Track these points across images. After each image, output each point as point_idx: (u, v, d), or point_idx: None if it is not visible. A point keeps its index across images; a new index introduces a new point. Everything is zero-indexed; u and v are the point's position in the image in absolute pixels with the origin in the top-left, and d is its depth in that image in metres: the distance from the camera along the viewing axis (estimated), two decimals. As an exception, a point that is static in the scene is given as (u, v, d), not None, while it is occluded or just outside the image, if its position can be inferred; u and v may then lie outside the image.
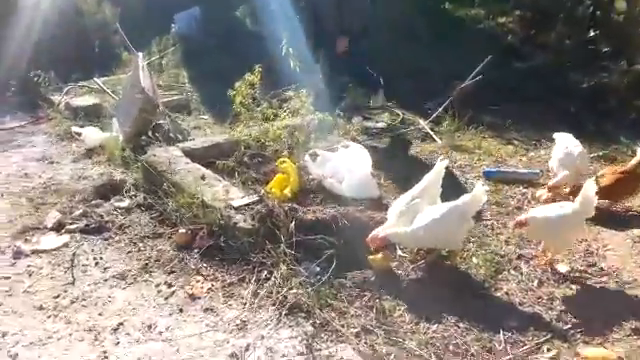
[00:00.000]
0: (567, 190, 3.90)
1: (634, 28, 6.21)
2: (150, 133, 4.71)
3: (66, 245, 3.18)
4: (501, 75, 6.25)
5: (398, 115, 5.91)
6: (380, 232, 2.87)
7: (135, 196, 3.73)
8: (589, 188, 2.90)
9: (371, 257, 2.92)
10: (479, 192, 2.78)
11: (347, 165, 3.67)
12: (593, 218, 3.51)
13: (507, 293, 2.74)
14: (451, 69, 6.88)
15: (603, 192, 3.66)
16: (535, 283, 2.79)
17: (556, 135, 4.00)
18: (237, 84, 3.85)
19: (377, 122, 5.74)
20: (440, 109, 5.55)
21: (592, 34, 6.90)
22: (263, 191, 3.48)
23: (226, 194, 3.36)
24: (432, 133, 5.24)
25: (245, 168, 3.89)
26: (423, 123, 5.47)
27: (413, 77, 6.92)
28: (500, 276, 2.85)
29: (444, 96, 5.94)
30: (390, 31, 8.27)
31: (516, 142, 5.19)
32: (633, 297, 2.69)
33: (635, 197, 3.70)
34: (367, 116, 5.90)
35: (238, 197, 3.32)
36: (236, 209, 3.17)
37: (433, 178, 2.99)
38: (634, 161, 3.58)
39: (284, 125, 3.96)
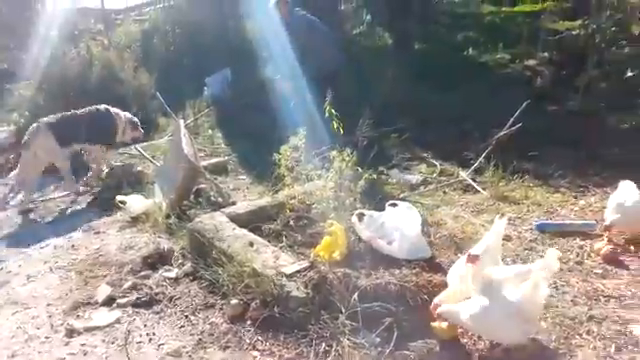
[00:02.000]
0: (623, 240, 3.75)
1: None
2: (192, 197, 4.75)
3: (118, 321, 3.14)
4: (536, 120, 6.14)
5: (435, 166, 5.85)
6: (437, 303, 2.74)
7: (182, 265, 3.70)
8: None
9: (435, 325, 2.78)
10: (552, 258, 2.59)
11: (397, 225, 3.58)
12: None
13: (585, 361, 2.56)
14: (484, 115, 6.85)
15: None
16: (612, 349, 2.60)
17: (621, 183, 3.87)
18: (282, 147, 3.87)
19: (415, 174, 5.69)
20: (481, 158, 5.46)
21: (630, 74, 6.78)
22: (313, 255, 3.41)
23: (276, 260, 3.29)
24: (475, 184, 5.14)
25: (291, 231, 3.84)
26: (464, 174, 5.38)
27: (446, 125, 6.91)
28: (574, 342, 2.66)
29: (481, 144, 5.89)
30: (417, 79, 8.38)
31: (563, 190, 5.04)
32: None
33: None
34: (404, 169, 5.87)
35: (289, 263, 3.25)
36: (288, 277, 3.10)
37: (494, 239, 2.87)
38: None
39: (329, 186, 3.92)
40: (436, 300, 2.78)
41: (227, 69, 9.04)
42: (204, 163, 5.59)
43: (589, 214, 4.38)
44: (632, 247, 3.68)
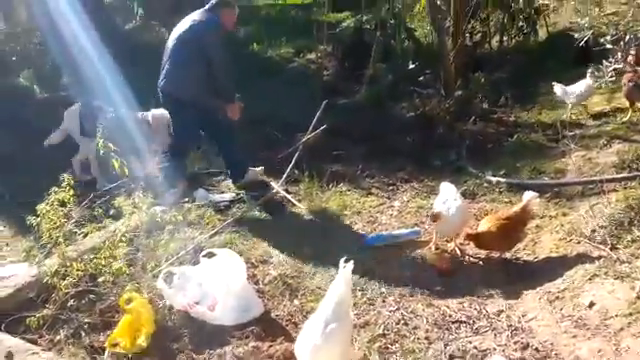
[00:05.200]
0: (452, 245, 3.67)
1: (446, 58, 6.47)
2: None
3: None
4: (330, 116, 5.93)
5: (244, 180, 5.20)
6: None
7: None
8: None
9: None
10: None
11: (216, 282, 2.84)
12: (494, 272, 3.32)
13: (466, 423, 2.22)
14: (284, 116, 6.48)
15: (489, 242, 3.49)
16: (487, 404, 2.33)
17: (441, 185, 3.80)
18: (40, 207, 2.75)
19: (225, 192, 4.95)
20: (291, 166, 5.01)
21: (412, 66, 7.08)
22: (108, 348, 2.49)
23: (52, 379, 2.28)
24: (290, 197, 4.65)
25: (73, 314, 2.80)
26: (277, 187, 4.84)
27: (247, 129, 6.30)
28: (446, 397, 2.33)
29: (287, 147, 5.48)
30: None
31: (374, 191, 4.87)
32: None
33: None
34: (209, 187, 5.09)
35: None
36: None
37: (343, 291, 2.35)
38: (519, 206, 3.44)
39: (118, 242, 2.96)
40: None
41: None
42: None
43: (408, 217, 4.24)
44: (458, 251, 3.60)
